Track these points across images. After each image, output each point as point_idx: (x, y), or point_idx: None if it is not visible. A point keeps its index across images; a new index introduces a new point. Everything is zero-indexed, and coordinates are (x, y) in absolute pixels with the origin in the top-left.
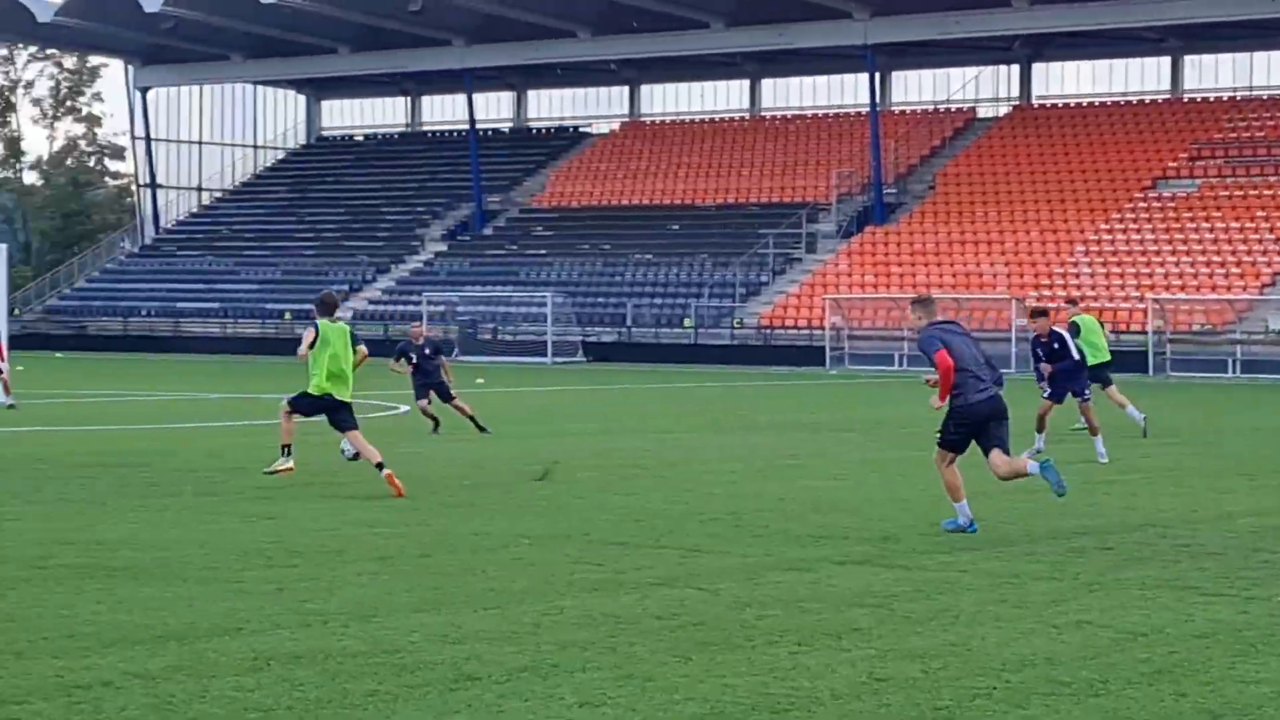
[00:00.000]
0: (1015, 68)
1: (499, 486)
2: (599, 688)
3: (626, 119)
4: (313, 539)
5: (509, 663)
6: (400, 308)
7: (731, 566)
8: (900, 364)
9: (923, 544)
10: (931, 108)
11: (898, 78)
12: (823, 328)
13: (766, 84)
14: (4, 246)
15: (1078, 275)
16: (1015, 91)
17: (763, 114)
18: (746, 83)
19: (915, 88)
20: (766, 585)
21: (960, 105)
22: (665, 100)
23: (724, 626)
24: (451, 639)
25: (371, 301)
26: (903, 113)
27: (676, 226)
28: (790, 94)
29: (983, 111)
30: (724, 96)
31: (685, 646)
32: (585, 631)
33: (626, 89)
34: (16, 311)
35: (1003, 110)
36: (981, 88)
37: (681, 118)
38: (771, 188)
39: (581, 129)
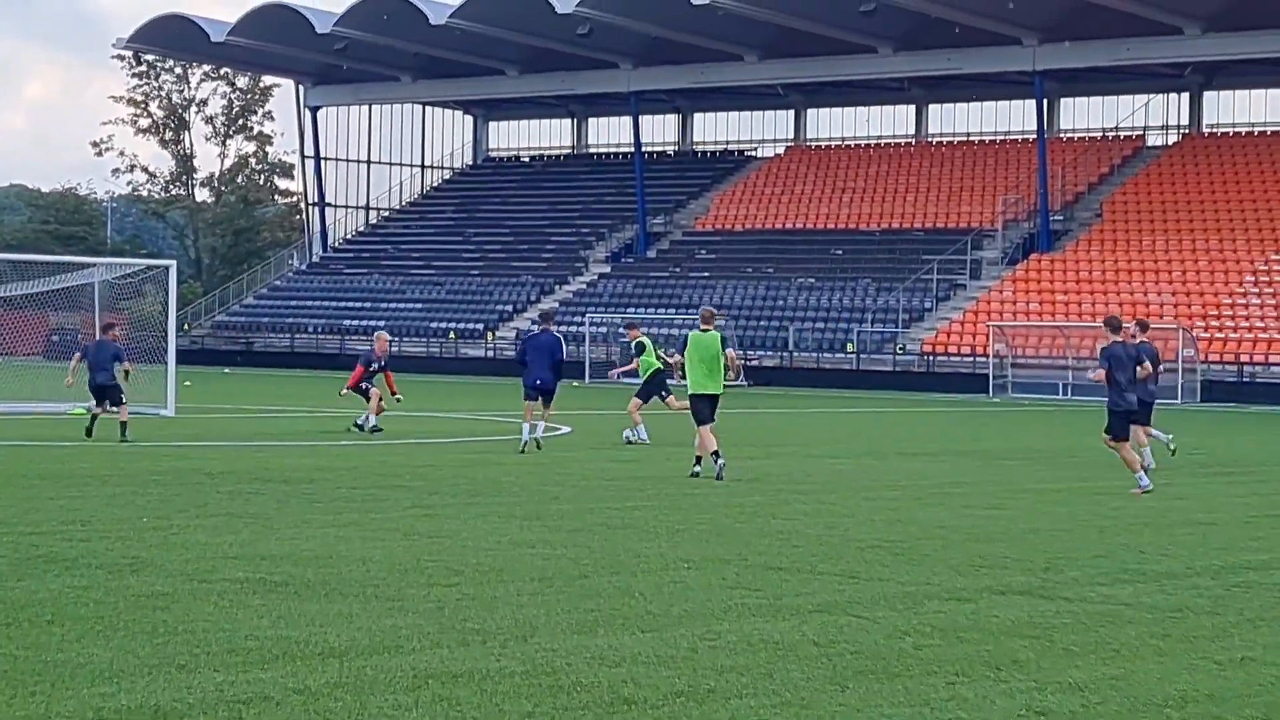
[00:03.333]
0: (1186, 95)
1: (658, 509)
2: (755, 714)
3: (792, 143)
4: (473, 557)
5: (665, 686)
6: (563, 329)
7: (890, 594)
8: (1065, 393)
9: (1084, 575)
10: (1100, 135)
11: (1066, 104)
12: (986, 355)
13: (933, 109)
14: (174, 263)
15: (1246, 306)
16: (1185, 119)
17: (929, 139)
18: (913, 108)
19: (1083, 114)
20: (926, 614)
21: (1129, 133)
22: (831, 124)
23: (882, 655)
24: (609, 661)
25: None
26: (1070, 139)
27: (840, 251)
28: (957, 119)
29: (1152, 139)
30: (890, 121)
31: (843, 674)
32: (743, 657)
33: (792, 113)
34: (186, 327)
35: (1172, 138)
36: (1151, 115)
37: (847, 142)
38: (936, 213)
39: (746, 152)
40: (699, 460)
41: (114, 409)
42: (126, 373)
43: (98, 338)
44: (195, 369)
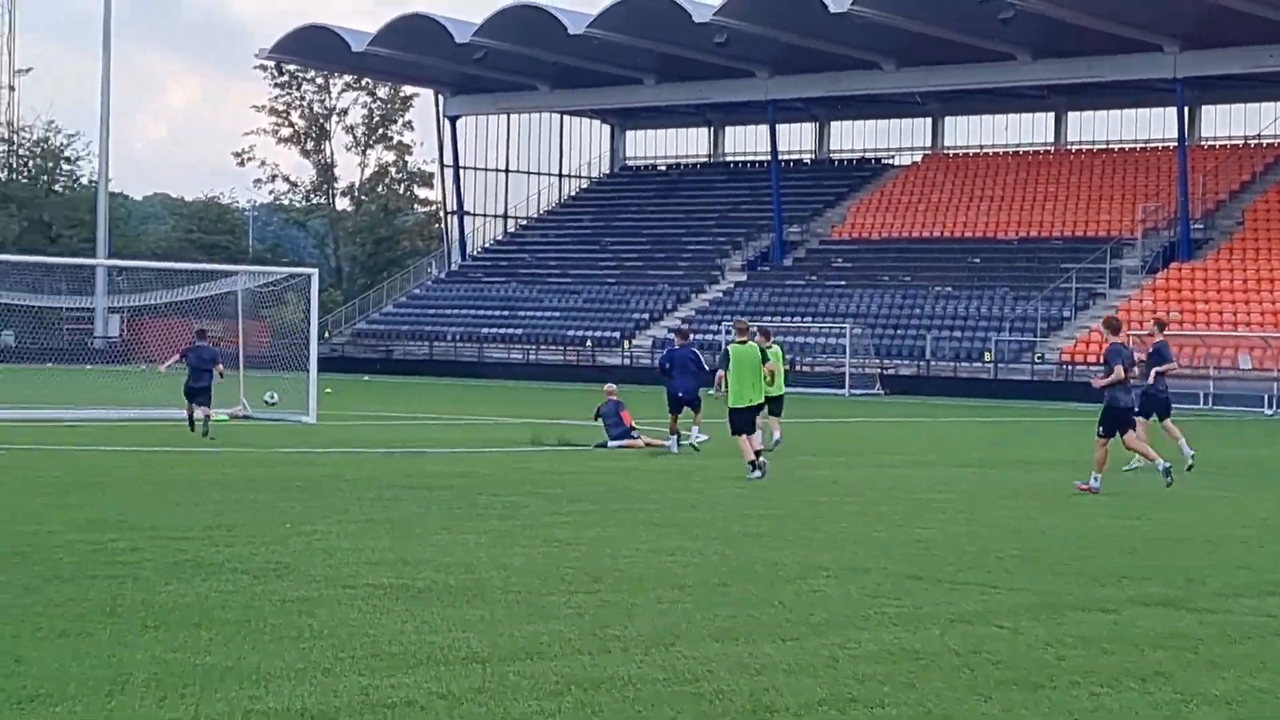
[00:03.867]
0: None
1: (796, 517)
2: None
3: (929, 151)
4: (612, 564)
5: (807, 695)
6: (699, 336)
7: (1031, 604)
8: (1206, 402)
9: (1228, 587)
10: (1241, 142)
11: (1207, 111)
12: None
13: (1072, 116)
14: (315, 271)
15: None
16: None
17: (1068, 147)
18: (1051, 115)
19: (1225, 122)
20: (1067, 625)
21: (1272, 140)
22: (969, 132)
23: (1024, 665)
24: (750, 669)
25: (671, 330)
26: (1211, 147)
27: (977, 259)
28: (1096, 127)
29: None
30: (1028, 129)
31: (985, 685)
32: (883, 666)
33: (929, 121)
34: (326, 335)
35: None
36: None
37: (985, 150)
38: (1075, 222)
39: (883, 161)
40: (753, 465)
41: (202, 408)
42: (221, 373)
43: (195, 342)
44: (335, 376)
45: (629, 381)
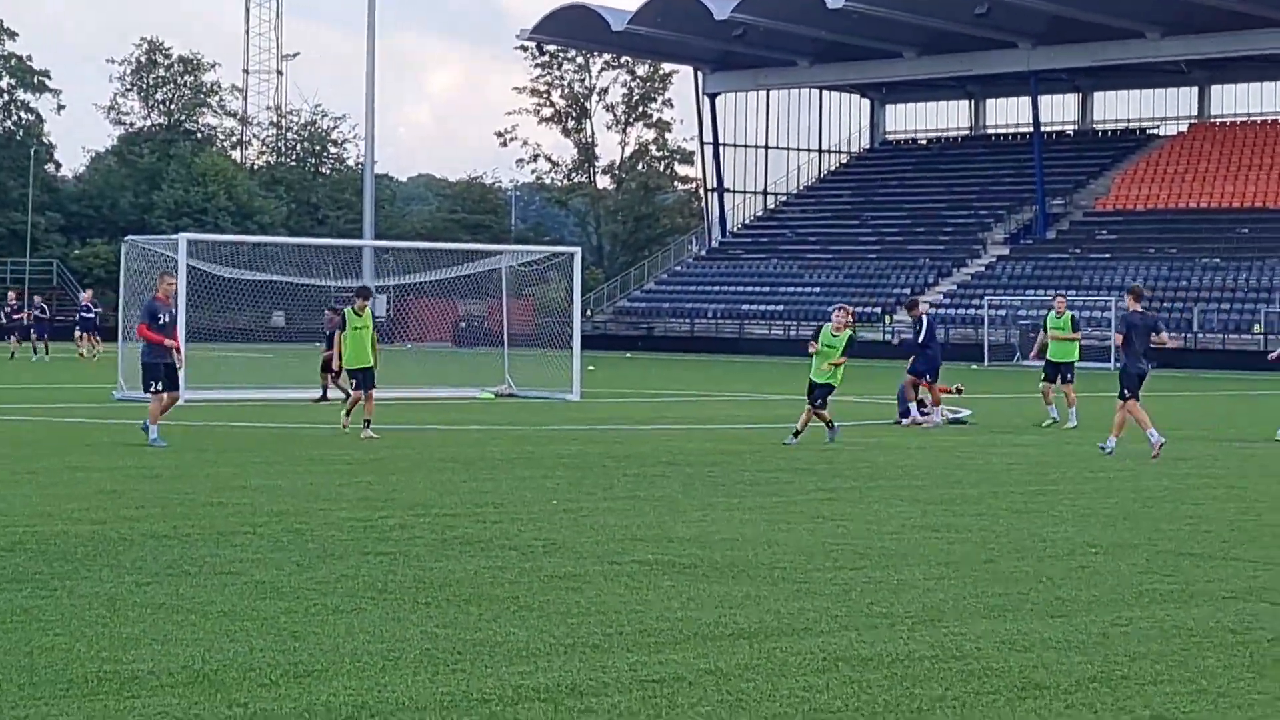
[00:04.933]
0: None
1: (1062, 493)
2: (1171, 701)
3: (1195, 120)
4: (878, 541)
5: (1077, 672)
6: (962, 311)
7: None
8: None
9: None
10: None
11: None
12: None
13: None
14: (579, 250)
15: None
16: None
17: None
18: None
19: None
20: None
21: None
22: (1236, 101)
23: None
24: (1019, 646)
25: (933, 305)
26: None
27: (1246, 230)
28: None
29: None
30: None
31: (1260, 662)
32: (1156, 644)
33: (1195, 90)
34: (589, 313)
35: None
36: None
37: (1254, 118)
38: None
39: (1148, 131)
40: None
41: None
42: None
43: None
44: (597, 354)
45: (890, 358)
